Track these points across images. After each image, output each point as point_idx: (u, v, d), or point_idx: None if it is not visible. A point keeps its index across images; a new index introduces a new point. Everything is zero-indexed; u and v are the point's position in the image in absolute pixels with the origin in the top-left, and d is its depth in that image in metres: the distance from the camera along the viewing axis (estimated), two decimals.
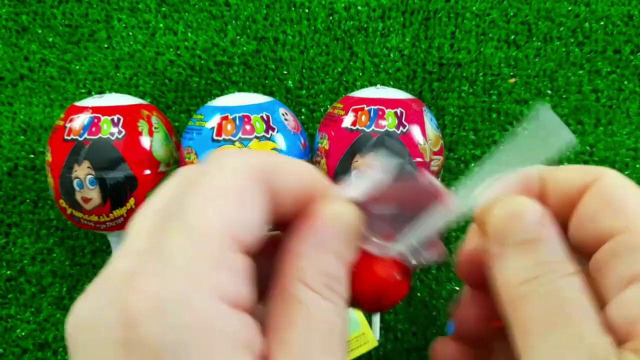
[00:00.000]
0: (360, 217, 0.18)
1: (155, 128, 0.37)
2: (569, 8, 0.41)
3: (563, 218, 0.18)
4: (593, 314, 0.16)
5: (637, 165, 0.40)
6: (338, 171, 0.35)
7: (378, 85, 0.39)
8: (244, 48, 0.42)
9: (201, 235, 0.14)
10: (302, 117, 0.42)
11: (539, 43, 0.41)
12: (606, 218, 0.17)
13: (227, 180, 0.16)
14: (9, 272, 0.43)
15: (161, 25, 0.43)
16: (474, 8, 0.41)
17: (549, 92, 0.41)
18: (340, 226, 0.17)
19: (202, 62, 0.43)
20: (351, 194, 0.18)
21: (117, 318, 0.14)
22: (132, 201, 0.36)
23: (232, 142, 0.34)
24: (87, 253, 0.43)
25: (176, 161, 0.38)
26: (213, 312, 0.14)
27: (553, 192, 0.19)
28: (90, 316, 0.14)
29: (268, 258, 0.17)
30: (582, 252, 0.18)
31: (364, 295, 0.19)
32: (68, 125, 0.36)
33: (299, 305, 0.16)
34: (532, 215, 0.17)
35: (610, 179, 0.18)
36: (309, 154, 0.38)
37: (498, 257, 0.17)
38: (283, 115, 0.36)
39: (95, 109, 0.36)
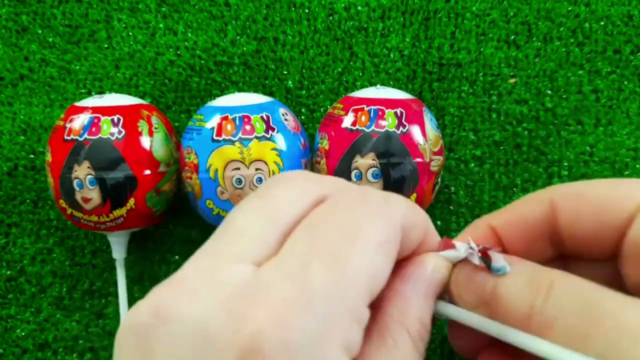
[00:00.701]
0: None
1: (155, 128, 0.37)
2: (569, 8, 0.41)
3: (539, 246, 0.19)
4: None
5: (637, 166, 0.40)
6: (338, 171, 0.35)
7: (378, 86, 0.39)
8: (244, 48, 0.42)
9: (350, 283, 0.14)
10: (302, 117, 0.42)
11: (539, 43, 0.41)
12: (610, 210, 0.17)
13: (383, 234, 0.15)
14: (9, 272, 0.43)
15: (161, 25, 0.43)
16: (474, 8, 0.41)
17: (549, 92, 0.41)
18: (443, 281, 0.18)
19: (202, 62, 0.43)
20: (455, 255, 0.18)
21: (237, 342, 0.12)
22: (132, 201, 0.36)
23: (232, 142, 0.34)
24: (87, 253, 0.43)
25: (176, 161, 0.38)
26: None
27: (516, 231, 0.19)
28: (191, 320, 0.13)
29: None
30: (595, 256, 0.18)
31: None
32: (68, 125, 0.36)
33: (395, 348, 0.16)
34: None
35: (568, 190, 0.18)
36: (309, 154, 0.38)
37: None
38: (283, 115, 0.36)
39: (95, 109, 0.36)
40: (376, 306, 0.17)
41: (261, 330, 0.12)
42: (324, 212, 0.15)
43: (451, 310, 0.18)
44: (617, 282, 0.19)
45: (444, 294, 0.19)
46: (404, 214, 0.16)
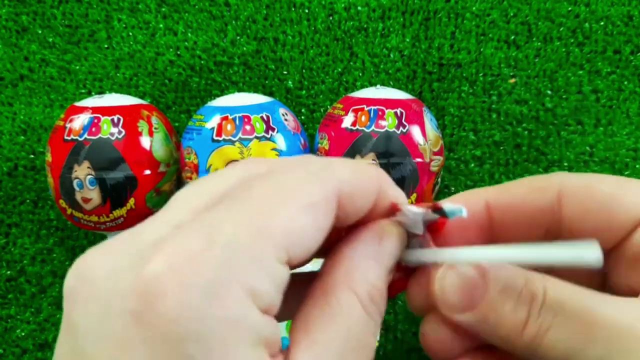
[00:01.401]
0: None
1: (155, 128, 0.37)
2: (569, 8, 0.41)
3: (532, 232, 0.19)
4: None
5: (637, 166, 0.40)
6: None
7: (378, 86, 0.39)
8: (244, 48, 0.42)
9: (260, 235, 0.14)
10: (302, 117, 0.42)
11: (539, 43, 0.41)
12: (618, 211, 0.17)
13: (312, 196, 0.15)
14: (9, 272, 0.43)
15: (161, 25, 0.43)
16: (474, 8, 0.41)
17: (549, 92, 0.41)
18: (399, 247, 0.17)
19: (202, 62, 0.43)
20: (413, 220, 0.18)
21: (135, 286, 0.13)
22: (132, 201, 0.36)
23: (232, 142, 0.34)
24: None
25: (176, 161, 0.38)
26: (241, 312, 0.13)
27: (514, 216, 0.19)
28: (103, 274, 0.13)
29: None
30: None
31: None
32: (68, 125, 0.36)
33: (340, 311, 0.15)
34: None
35: (576, 180, 0.18)
36: (309, 154, 0.38)
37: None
38: (283, 115, 0.36)
39: (95, 109, 0.36)
40: (325, 274, 0.17)
41: (158, 272, 0.13)
42: (256, 179, 0.15)
43: (414, 255, 0.18)
44: (597, 278, 0.19)
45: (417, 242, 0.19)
46: (345, 179, 0.16)
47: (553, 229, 0.18)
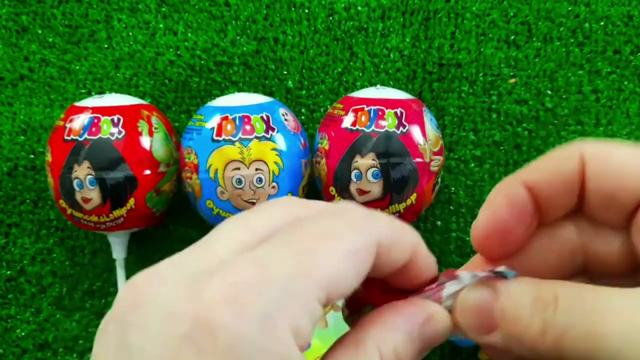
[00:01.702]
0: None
1: (155, 128, 0.37)
2: (569, 8, 0.41)
3: (570, 200, 0.19)
4: None
5: None
6: (338, 171, 0.35)
7: (378, 86, 0.39)
8: (244, 48, 0.42)
9: (308, 277, 0.15)
10: (302, 117, 0.42)
11: (539, 43, 0.41)
12: (629, 178, 0.17)
13: (355, 244, 0.16)
14: (9, 272, 0.43)
15: (161, 25, 0.43)
16: (474, 8, 0.41)
17: (549, 92, 0.41)
18: (440, 338, 0.18)
19: (202, 62, 0.43)
20: (460, 286, 0.19)
21: (191, 311, 0.14)
22: (132, 201, 0.36)
23: (232, 143, 0.34)
24: (87, 253, 0.43)
25: (176, 161, 0.38)
26: (287, 348, 0.14)
27: (552, 188, 0.19)
28: (157, 300, 0.14)
29: None
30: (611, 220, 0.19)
31: None
32: (68, 125, 0.36)
33: None
34: None
35: (600, 150, 0.19)
36: (309, 154, 0.38)
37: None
38: (283, 115, 0.36)
39: (95, 109, 0.36)
40: (362, 326, 0.18)
41: (216, 299, 0.14)
42: (304, 221, 0.17)
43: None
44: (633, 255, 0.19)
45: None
46: (384, 231, 0.17)
47: (581, 194, 0.19)
